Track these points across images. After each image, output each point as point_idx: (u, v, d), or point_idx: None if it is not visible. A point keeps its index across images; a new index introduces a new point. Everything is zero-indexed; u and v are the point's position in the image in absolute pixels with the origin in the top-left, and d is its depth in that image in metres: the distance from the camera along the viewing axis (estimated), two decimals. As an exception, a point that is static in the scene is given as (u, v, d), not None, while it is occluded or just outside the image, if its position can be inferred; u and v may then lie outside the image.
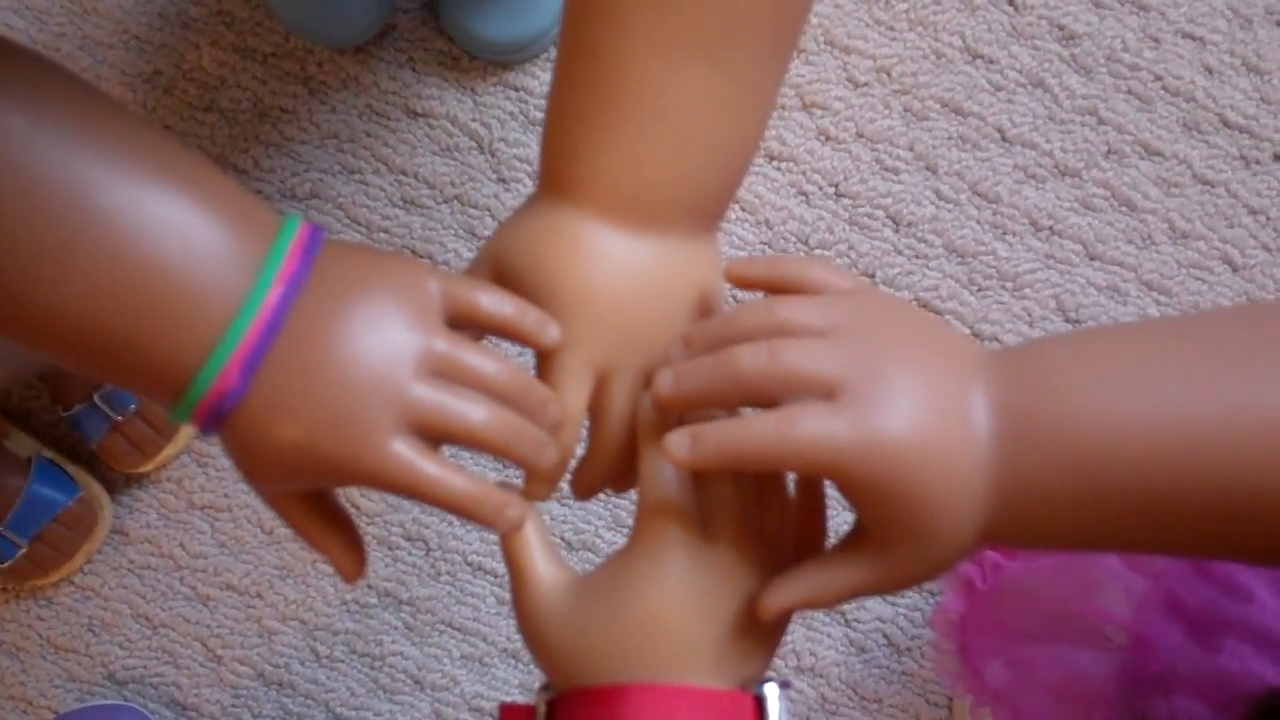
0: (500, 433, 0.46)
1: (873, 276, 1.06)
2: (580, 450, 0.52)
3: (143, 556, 1.05)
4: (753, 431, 0.44)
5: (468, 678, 1.06)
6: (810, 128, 1.06)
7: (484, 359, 0.46)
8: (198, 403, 0.44)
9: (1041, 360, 0.46)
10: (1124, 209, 1.07)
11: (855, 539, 0.47)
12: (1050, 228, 1.07)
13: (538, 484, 0.50)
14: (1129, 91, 1.07)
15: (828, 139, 1.06)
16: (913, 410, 0.44)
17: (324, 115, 1.05)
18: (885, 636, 1.07)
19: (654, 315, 0.49)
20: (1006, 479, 0.44)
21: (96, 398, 0.98)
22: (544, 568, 0.49)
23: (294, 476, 0.46)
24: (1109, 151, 1.07)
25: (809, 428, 0.43)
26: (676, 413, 0.48)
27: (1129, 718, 0.68)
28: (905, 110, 1.06)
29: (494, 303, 0.47)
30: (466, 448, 0.46)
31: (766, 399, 0.45)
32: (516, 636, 1.06)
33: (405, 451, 0.45)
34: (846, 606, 1.07)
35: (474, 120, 1.05)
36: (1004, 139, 1.07)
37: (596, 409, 0.50)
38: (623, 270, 0.49)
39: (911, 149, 1.06)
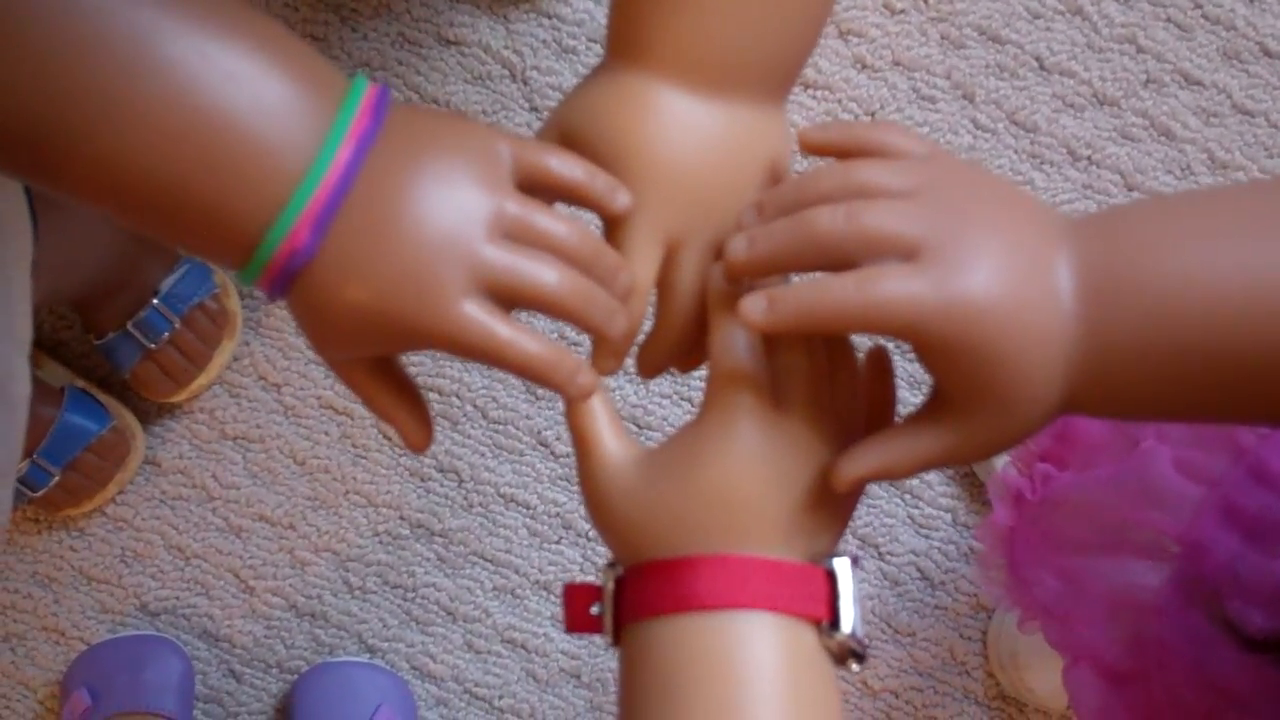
0: (572, 296, 0.45)
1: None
2: (646, 327, 0.51)
3: (175, 487, 1.04)
4: (832, 292, 0.43)
5: (500, 609, 1.05)
6: (846, 55, 1.05)
7: (556, 222, 0.46)
8: (267, 262, 0.43)
9: (1124, 223, 0.45)
10: (1163, 139, 1.06)
11: (932, 406, 0.46)
12: (1088, 157, 1.06)
13: (606, 357, 0.49)
14: (1168, 19, 1.06)
15: (864, 67, 1.05)
16: (996, 271, 0.43)
17: (356, 43, 1.04)
18: (919, 570, 1.07)
19: (724, 183, 0.49)
20: (1090, 341, 0.43)
21: (129, 325, 0.98)
22: (611, 441, 0.49)
23: (364, 340, 0.45)
24: (1148, 80, 1.06)
25: (891, 287, 0.43)
26: (747, 282, 0.47)
27: (1184, 626, 0.68)
28: (942, 38, 1.05)
29: (564, 166, 0.47)
30: (537, 310, 0.45)
31: (844, 262, 0.44)
32: (549, 568, 1.06)
33: (478, 313, 0.44)
34: (880, 539, 1.06)
35: (506, 48, 1.04)
36: (1042, 67, 1.06)
37: (665, 281, 0.49)
38: (693, 136, 0.48)
39: (948, 77, 1.05)
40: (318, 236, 0.43)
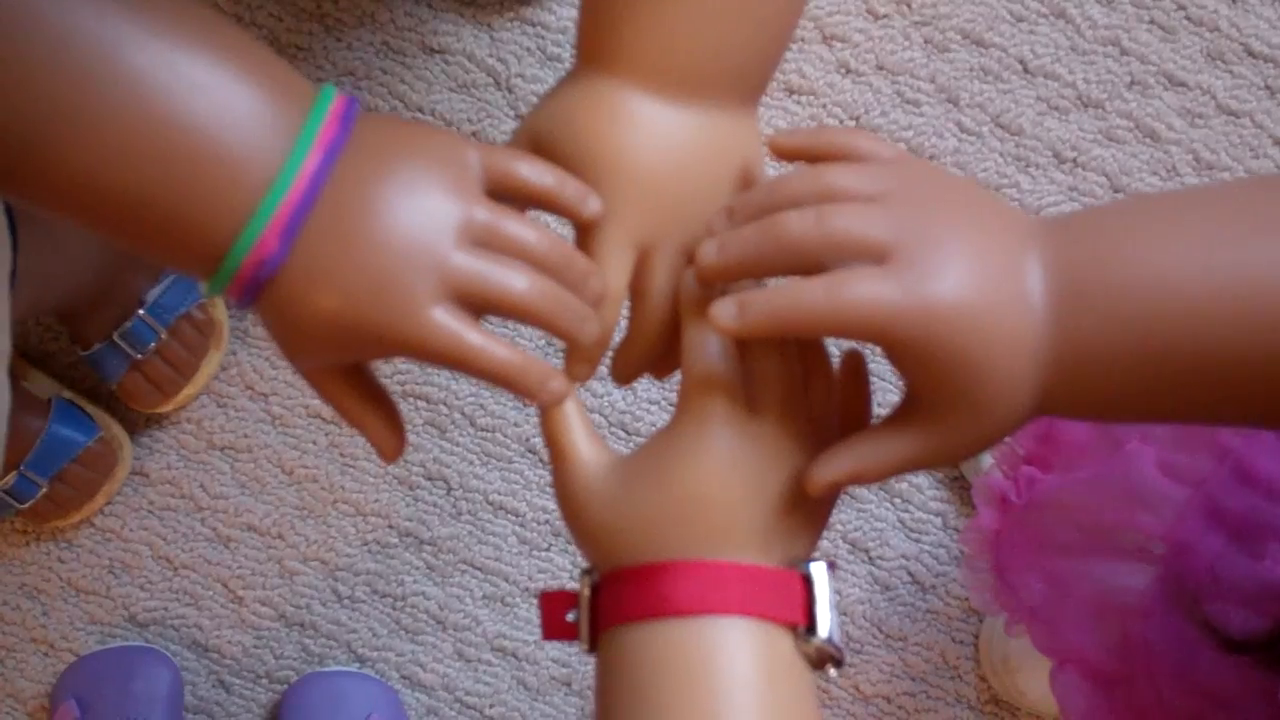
0: (542, 302, 0.45)
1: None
2: (620, 334, 0.51)
3: (163, 498, 1.04)
4: (802, 296, 0.43)
5: (490, 617, 1.05)
6: (830, 61, 1.05)
7: (525, 228, 0.45)
8: (236, 270, 0.43)
9: (1096, 224, 0.45)
10: (1148, 140, 1.06)
11: (905, 410, 0.46)
12: (1074, 160, 1.06)
13: (579, 363, 0.49)
14: (1152, 21, 1.06)
15: (848, 72, 1.05)
16: (966, 274, 0.43)
17: (340, 53, 1.04)
18: (910, 574, 1.07)
19: (695, 189, 0.49)
20: (1061, 343, 0.43)
21: (116, 336, 0.97)
22: (585, 447, 0.49)
23: (334, 348, 0.45)
24: (1132, 82, 1.06)
25: (860, 291, 0.43)
26: (720, 286, 0.47)
27: (1169, 628, 0.68)
28: (926, 42, 1.05)
29: (534, 172, 0.47)
30: (508, 317, 0.45)
31: (814, 266, 0.44)
32: (539, 576, 1.06)
33: (447, 319, 0.44)
34: (870, 543, 1.06)
35: (491, 56, 1.04)
36: (1026, 70, 1.06)
37: (638, 287, 0.49)
38: (664, 142, 0.48)
39: (933, 81, 1.05)
40: (286, 245, 0.43)
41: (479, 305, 0.45)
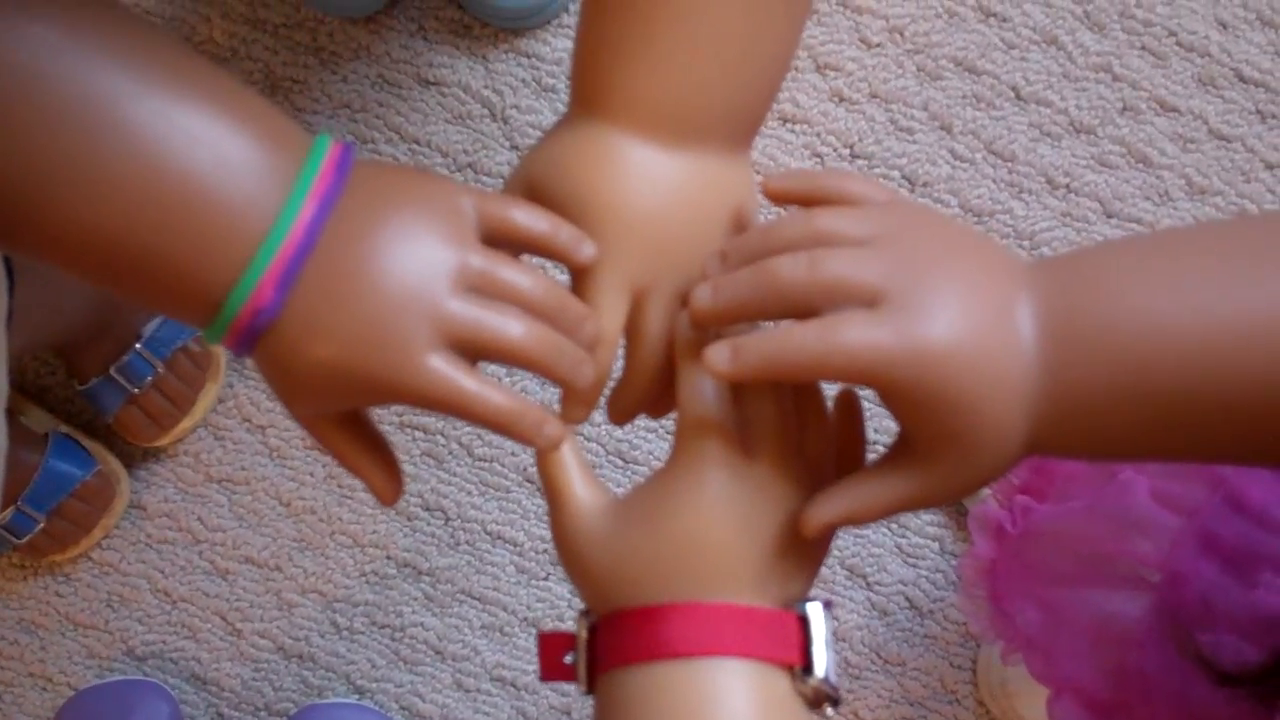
0: (538, 348, 0.46)
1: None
2: (616, 375, 0.51)
3: (160, 531, 1.04)
4: (795, 340, 0.43)
5: (489, 647, 1.05)
6: (824, 89, 1.06)
7: (520, 274, 0.46)
8: (232, 321, 0.43)
9: (1086, 266, 0.45)
10: (1140, 165, 1.07)
11: (898, 451, 0.46)
12: (1066, 185, 1.06)
13: (575, 406, 0.49)
14: (1143, 47, 1.07)
15: (841, 100, 1.06)
16: (957, 316, 0.43)
17: (336, 85, 1.04)
18: (907, 599, 1.07)
19: (689, 233, 0.49)
20: (1053, 384, 0.44)
21: (112, 370, 0.98)
22: (582, 489, 0.49)
23: (331, 396, 0.45)
24: (1124, 108, 1.07)
25: (852, 335, 0.43)
26: (714, 330, 0.48)
27: (1164, 657, 0.68)
28: (919, 70, 1.06)
29: (528, 218, 0.47)
30: (504, 363, 0.46)
31: (806, 310, 0.44)
32: (537, 605, 1.06)
33: (443, 366, 0.44)
34: (867, 569, 1.06)
35: (486, 88, 1.05)
36: (1018, 97, 1.06)
37: (632, 330, 0.50)
38: (657, 187, 0.48)
39: (926, 109, 1.06)
40: (282, 295, 0.43)
41: (475, 351, 0.45)
